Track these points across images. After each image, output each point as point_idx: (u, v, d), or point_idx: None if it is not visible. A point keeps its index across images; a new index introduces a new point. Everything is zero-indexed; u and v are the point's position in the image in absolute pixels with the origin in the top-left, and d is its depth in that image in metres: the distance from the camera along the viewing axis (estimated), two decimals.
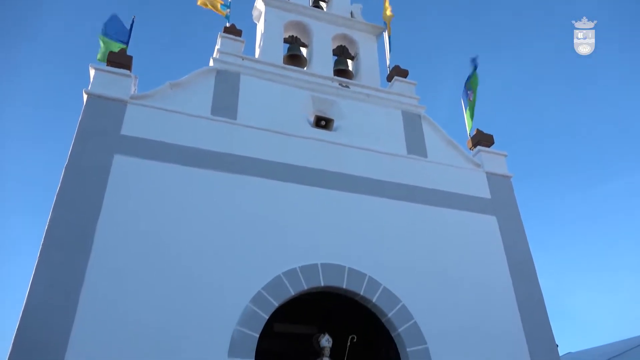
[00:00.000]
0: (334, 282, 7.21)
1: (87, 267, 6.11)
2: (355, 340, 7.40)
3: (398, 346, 7.23)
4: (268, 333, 7.33)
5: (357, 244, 7.62)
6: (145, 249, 6.50)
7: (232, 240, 6.98)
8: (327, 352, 7.33)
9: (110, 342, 5.79)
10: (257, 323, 6.55)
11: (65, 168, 6.63)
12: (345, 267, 7.34)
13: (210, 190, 7.24)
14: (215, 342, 6.23)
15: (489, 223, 8.74)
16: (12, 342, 5.41)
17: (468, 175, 9.17)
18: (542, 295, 8.29)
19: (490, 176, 9.30)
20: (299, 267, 7.10)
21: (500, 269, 8.28)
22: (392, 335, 7.29)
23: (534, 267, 8.54)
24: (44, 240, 6.06)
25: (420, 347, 7.12)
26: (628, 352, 10.05)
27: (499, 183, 9.31)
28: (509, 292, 8.09)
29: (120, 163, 6.96)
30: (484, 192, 9.08)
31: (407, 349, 7.06)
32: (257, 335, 6.49)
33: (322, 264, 7.24)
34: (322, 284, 7.14)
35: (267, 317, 6.65)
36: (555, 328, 8.43)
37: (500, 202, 9.07)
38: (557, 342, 7.98)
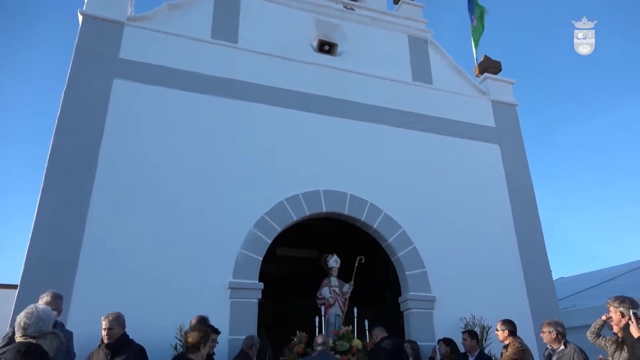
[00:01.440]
0: (335, 209, 7.32)
1: (92, 190, 6.18)
2: (363, 261, 7.58)
3: (397, 270, 7.47)
4: (271, 256, 7.57)
5: (360, 171, 7.65)
6: (149, 174, 6.54)
7: (234, 167, 7.01)
8: (335, 272, 7.53)
9: (118, 263, 5.97)
10: (261, 247, 6.73)
11: (65, 92, 6.53)
12: (347, 193, 7.42)
13: (212, 116, 7.18)
14: (220, 264, 6.43)
15: (492, 151, 8.74)
16: (23, 262, 5.58)
17: (473, 103, 9.04)
18: (540, 222, 8.45)
19: (496, 104, 9.18)
20: (301, 193, 7.19)
21: (500, 196, 8.38)
22: (392, 259, 7.51)
23: (534, 195, 8.64)
24: (48, 164, 6.08)
25: (418, 270, 7.36)
26: (618, 277, 10.40)
27: (504, 111, 9.21)
28: (507, 219, 8.24)
29: (120, 87, 6.84)
30: (489, 121, 9.00)
31: (406, 273, 7.30)
32: (261, 259, 6.68)
33: (324, 191, 7.32)
34: (324, 210, 7.26)
35: (270, 242, 6.82)
36: (551, 255, 8.66)
37: (505, 130, 9.02)
38: (551, 268, 8.24)
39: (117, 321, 4.62)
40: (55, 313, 3.67)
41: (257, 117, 7.43)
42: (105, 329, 4.56)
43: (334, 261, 7.60)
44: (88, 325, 5.07)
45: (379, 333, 5.97)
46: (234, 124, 7.25)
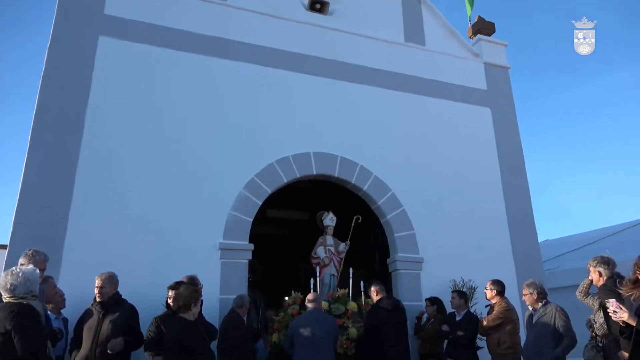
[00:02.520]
0: (326, 171, 7.32)
1: (80, 149, 6.10)
2: (360, 221, 7.50)
3: (386, 232, 7.56)
4: (261, 218, 7.59)
5: (350, 134, 7.62)
6: (138, 134, 6.45)
7: (224, 128, 6.94)
8: (330, 230, 7.42)
9: (108, 224, 5.95)
10: (251, 208, 6.74)
11: (49, 49, 6.34)
12: (337, 156, 7.41)
13: (200, 76, 7.04)
14: (211, 225, 6.44)
15: (483, 114, 8.73)
16: (12, 222, 5.55)
17: (466, 65, 8.96)
18: (528, 186, 8.54)
19: (488, 67, 9.11)
20: (291, 155, 7.16)
21: (490, 160, 8.43)
22: (381, 221, 7.58)
23: (523, 159, 8.70)
24: (34, 123, 5.97)
25: (407, 232, 7.45)
26: (602, 239, 10.62)
27: (497, 74, 9.15)
28: (496, 183, 8.31)
29: (106, 45, 6.65)
30: (481, 83, 8.95)
31: (395, 234, 7.39)
32: (251, 220, 6.71)
33: (314, 153, 7.30)
34: (314, 173, 7.26)
35: (260, 203, 6.83)
36: (537, 217, 8.79)
37: (496, 94, 8.99)
38: (537, 231, 8.38)
39: (110, 280, 4.66)
40: (39, 273, 3.65)
41: (247, 77, 7.30)
42: (97, 287, 4.59)
43: (329, 219, 7.47)
44: (79, 284, 5.12)
45: (380, 291, 5.97)
46: (223, 84, 7.13)
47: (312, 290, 6.70)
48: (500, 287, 5.90)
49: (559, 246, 11.99)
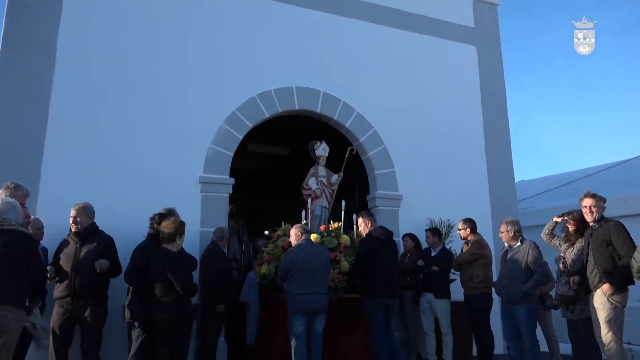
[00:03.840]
0: (308, 106, 7.22)
1: (52, 78, 5.85)
2: (354, 152, 7.25)
3: (367, 169, 7.59)
4: (242, 153, 7.53)
5: (333, 69, 7.46)
6: (115, 64, 6.21)
7: (205, 59, 6.71)
8: (322, 161, 7.02)
9: (85, 155, 5.84)
10: (231, 142, 6.67)
11: None
12: (320, 91, 7.29)
13: (181, 6, 6.72)
14: (191, 158, 6.38)
15: (468, 53, 8.60)
16: None
17: (454, 0, 8.71)
18: (508, 128, 8.59)
19: (477, 3, 8.88)
20: (273, 89, 7.01)
21: (472, 99, 8.40)
22: (362, 158, 7.59)
23: (506, 100, 8.70)
24: (1, 47, 5.66)
25: (387, 170, 7.50)
26: (577, 180, 10.87)
27: (484, 11, 8.93)
28: (477, 123, 8.33)
29: None
30: (468, 20, 8.75)
31: (375, 172, 7.45)
32: (231, 154, 6.65)
33: (297, 88, 7.16)
34: (297, 108, 7.15)
35: (241, 137, 6.75)
36: (516, 159, 8.92)
37: (483, 31, 8.81)
38: (514, 172, 8.52)
39: (85, 211, 4.61)
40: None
41: (229, 8, 6.99)
42: (72, 217, 4.56)
43: (322, 149, 7.06)
44: (57, 216, 5.04)
45: (373, 222, 5.86)
46: (205, 14, 6.83)
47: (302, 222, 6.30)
48: (472, 225, 6.14)
49: (534, 186, 12.28)
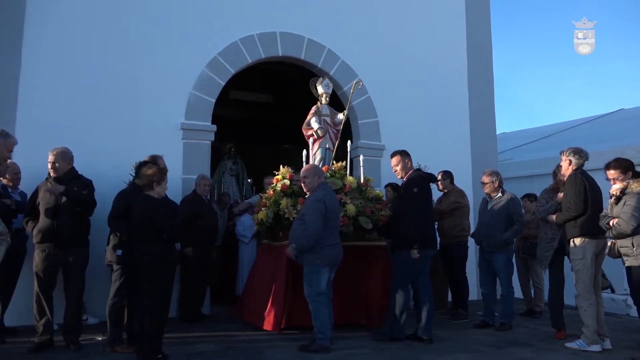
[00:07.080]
0: (292, 52, 7.07)
1: (24, 15, 5.60)
2: (361, 86, 6.69)
3: (350, 118, 7.52)
4: (224, 100, 7.40)
5: (318, 15, 7.26)
6: (92, 3, 5.95)
7: (187, 1, 6.47)
8: (325, 98, 6.32)
9: (62, 99, 5.68)
10: (213, 89, 6.54)
11: None
12: (304, 37, 7.12)
13: None
14: (172, 104, 6.26)
15: (455, 1, 8.42)
16: None
17: None
18: (492, 79, 8.56)
19: None
20: (257, 34, 6.82)
21: (458, 49, 8.31)
22: (346, 107, 7.50)
23: (491, 51, 8.62)
24: None
25: (371, 120, 7.48)
26: (557, 133, 11.02)
27: None
28: (462, 73, 8.28)
29: None
30: None
31: (359, 121, 7.43)
32: (213, 100, 6.53)
33: (280, 33, 6.97)
34: (280, 54, 7.00)
35: (223, 83, 6.62)
36: (498, 111, 8.95)
37: None
38: (496, 124, 8.57)
39: (63, 156, 4.49)
40: None
41: None
42: (50, 162, 4.45)
43: (325, 85, 6.35)
44: (34, 160, 4.92)
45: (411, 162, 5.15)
46: None
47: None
48: (451, 176, 6.36)
49: (514, 139, 12.40)
